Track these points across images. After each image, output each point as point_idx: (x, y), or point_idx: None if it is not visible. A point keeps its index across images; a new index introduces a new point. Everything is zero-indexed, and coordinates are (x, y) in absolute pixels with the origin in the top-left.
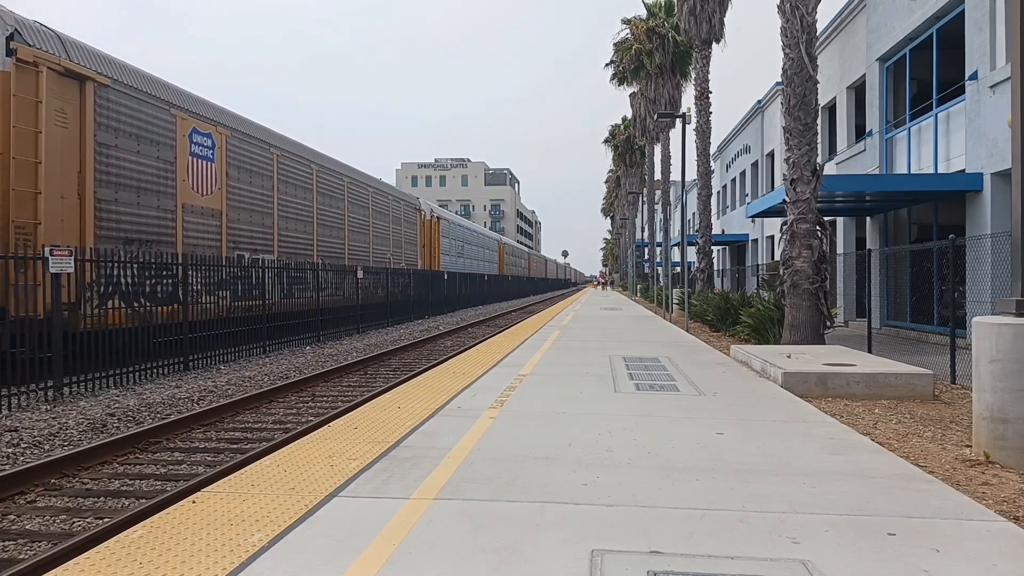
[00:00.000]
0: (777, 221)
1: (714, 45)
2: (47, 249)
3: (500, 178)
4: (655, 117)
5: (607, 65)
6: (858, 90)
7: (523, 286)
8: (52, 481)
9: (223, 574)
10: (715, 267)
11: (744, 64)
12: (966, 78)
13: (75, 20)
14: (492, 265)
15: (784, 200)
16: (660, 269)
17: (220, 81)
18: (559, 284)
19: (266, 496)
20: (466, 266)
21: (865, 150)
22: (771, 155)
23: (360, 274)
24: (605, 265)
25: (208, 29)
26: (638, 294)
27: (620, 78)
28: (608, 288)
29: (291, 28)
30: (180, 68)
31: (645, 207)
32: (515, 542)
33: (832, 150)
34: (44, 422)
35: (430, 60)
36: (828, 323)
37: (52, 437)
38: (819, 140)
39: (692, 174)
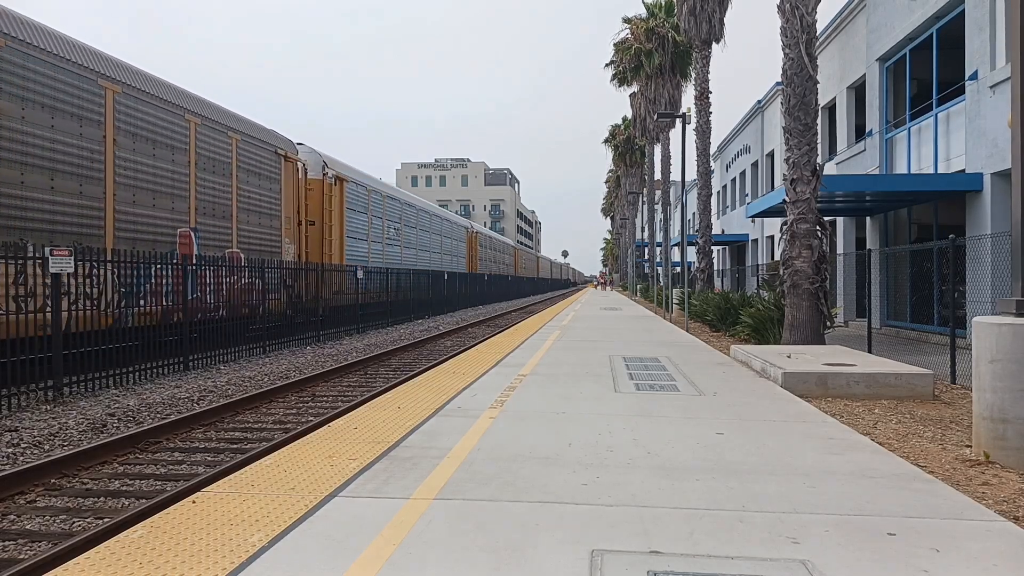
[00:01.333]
0: (777, 221)
1: (714, 45)
2: (47, 249)
3: (500, 178)
4: (655, 117)
5: (607, 65)
6: (858, 90)
7: (523, 286)
8: (52, 481)
9: (223, 574)
10: (715, 267)
11: (744, 64)
12: (966, 78)
13: (80, 20)
14: (458, 260)
15: (784, 200)
16: (660, 269)
17: (220, 81)
18: (558, 284)
19: (266, 496)
20: (408, 260)
21: (865, 150)
22: (771, 155)
23: (360, 274)
24: (605, 265)
25: (207, 29)
26: (638, 294)
27: (620, 78)
28: (608, 288)
29: (290, 29)
30: (181, 68)
31: (645, 207)
32: (515, 542)
33: (832, 150)
34: (44, 422)
35: (429, 60)
36: (828, 323)
37: (52, 437)
38: (819, 140)
39: (692, 174)
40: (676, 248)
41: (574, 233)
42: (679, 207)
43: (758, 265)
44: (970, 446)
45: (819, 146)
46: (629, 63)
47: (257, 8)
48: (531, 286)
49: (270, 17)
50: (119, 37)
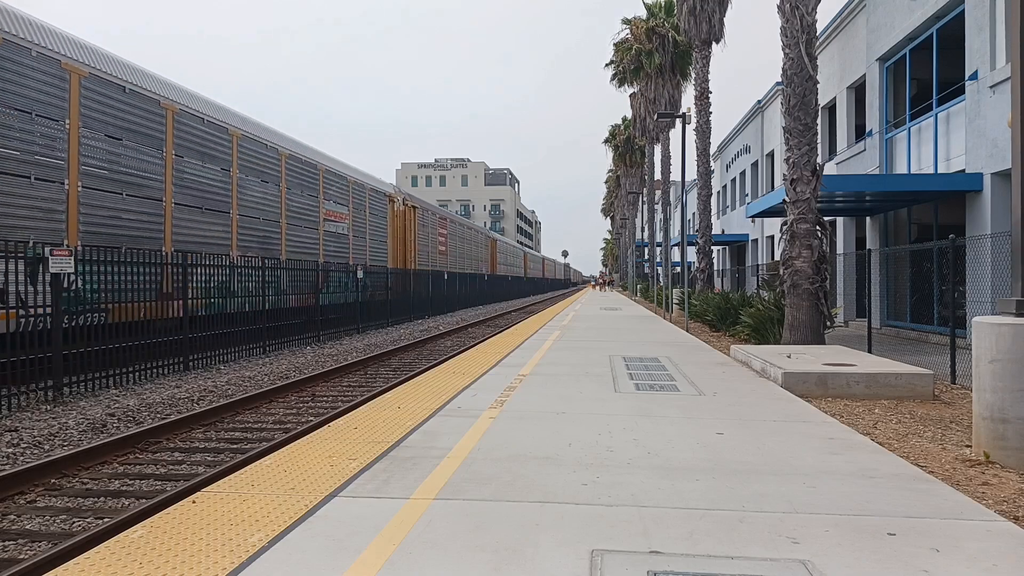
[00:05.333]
0: (777, 221)
1: (714, 45)
2: (47, 249)
3: (500, 178)
4: (655, 117)
5: (607, 65)
6: (858, 90)
7: (523, 286)
8: (52, 481)
9: (223, 574)
10: (715, 267)
11: (744, 64)
12: (966, 78)
13: (105, 24)
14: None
15: (784, 200)
16: (660, 269)
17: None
18: (558, 284)
19: (266, 496)
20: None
21: (865, 150)
22: (771, 155)
23: (360, 274)
24: (605, 265)
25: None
26: (638, 294)
27: (620, 78)
28: (607, 289)
29: (283, 32)
30: (195, 66)
31: (645, 207)
32: (515, 542)
33: (832, 150)
34: (44, 422)
35: (430, 59)
36: (828, 323)
37: (52, 437)
38: (819, 140)
39: (692, 174)
40: (676, 248)
41: (574, 233)
42: (679, 207)
43: (758, 265)
44: (970, 446)
45: (819, 146)
46: (629, 63)
47: (249, 34)
48: (531, 286)
49: (262, 24)
50: (116, 21)
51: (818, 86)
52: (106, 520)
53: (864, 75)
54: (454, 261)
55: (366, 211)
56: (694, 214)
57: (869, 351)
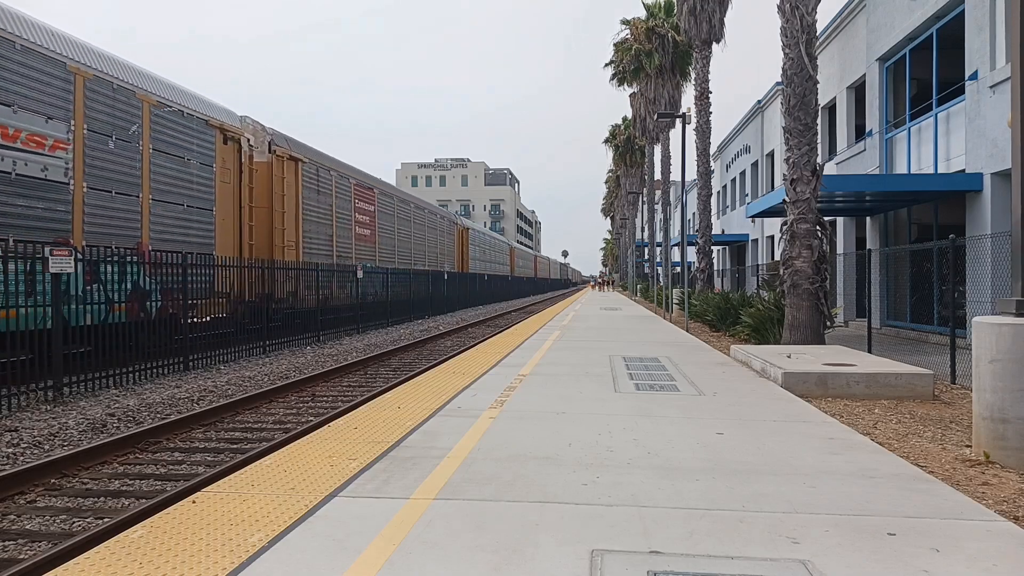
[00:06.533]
0: (777, 221)
1: (714, 45)
2: (47, 249)
3: (500, 178)
4: (655, 117)
5: (607, 65)
6: (858, 90)
7: (522, 286)
8: (52, 481)
9: (223, 574)
10: (715, 267)
11: (744, 64)
12: (966, 78)
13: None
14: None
15: (784, 200)
16: (660, 269)
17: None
18: (558, 284)
19: (266, 496)
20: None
21: (865, 150)
22: (771, 155)
23: (360, 274)
24: (605, 265)
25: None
26: (638, 294)
27: (620, 78)
28: (607, 289)
29: (282, 33)
30: (195, 64)
31: (645, 207)
32: (515, 542)
33: (832, 150)
34: (44, 422)
35: (431, 60)
36: (828, 323)
37: (52, 437)
38: (819, 140)
39: (692, 174)
40: (676, 248)
41: (574, 233)
42: (679, 207)
43: (758, 265)
44: (970, 446)
45: (819, 146)
46: (629, 63)
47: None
48: (531, 286)
49: (261, 28)
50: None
51: (818, 86)
52: (106, 520)
53: (864, 75)
54: (390, 252)
55: (144, 146)
56: (694, 214)
57: (869, 351)
